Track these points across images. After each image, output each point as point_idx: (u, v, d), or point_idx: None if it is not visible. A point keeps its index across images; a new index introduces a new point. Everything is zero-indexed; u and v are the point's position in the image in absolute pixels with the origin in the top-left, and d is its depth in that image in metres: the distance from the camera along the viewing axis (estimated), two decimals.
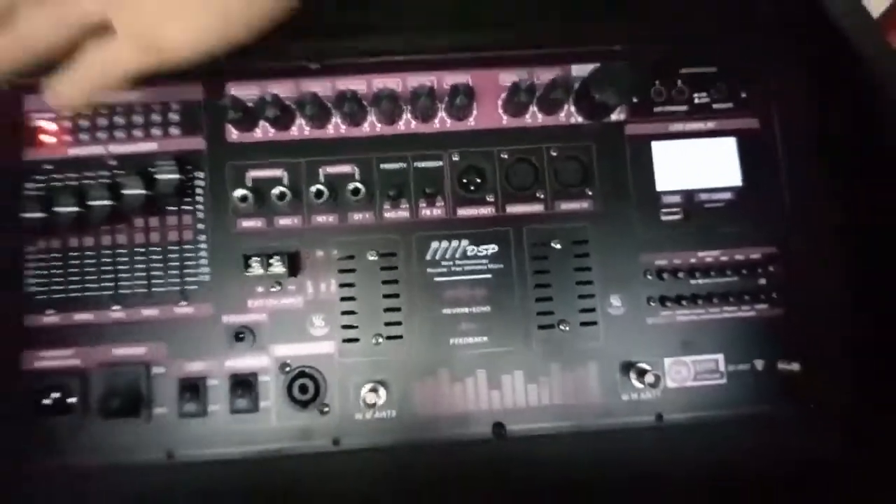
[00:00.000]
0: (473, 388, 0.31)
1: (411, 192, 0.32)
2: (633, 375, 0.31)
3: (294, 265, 0.31)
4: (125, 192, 0.30)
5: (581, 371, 0.31)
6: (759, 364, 0.32)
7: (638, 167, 0.33)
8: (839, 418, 0.32)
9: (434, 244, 0.32)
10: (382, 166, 0.32)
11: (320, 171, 0.32)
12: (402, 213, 0.32)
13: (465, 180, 0.32)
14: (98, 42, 0.26)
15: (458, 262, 0.32)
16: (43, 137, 0.32)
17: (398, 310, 0.31)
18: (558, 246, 0.32)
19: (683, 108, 0.33)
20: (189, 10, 0.26)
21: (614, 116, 0.33)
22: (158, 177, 0.30)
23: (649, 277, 0.32)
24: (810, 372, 0.31)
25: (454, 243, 0.32)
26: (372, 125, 0.32)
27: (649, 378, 0.30)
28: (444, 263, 0.32)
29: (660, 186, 0.33)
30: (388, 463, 0.31)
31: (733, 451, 0.31)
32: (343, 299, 0.31)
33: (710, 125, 0.33)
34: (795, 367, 0.31)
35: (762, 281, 0.32)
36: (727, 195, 0.33)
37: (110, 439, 0.30)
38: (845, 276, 0.33)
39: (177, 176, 0.30)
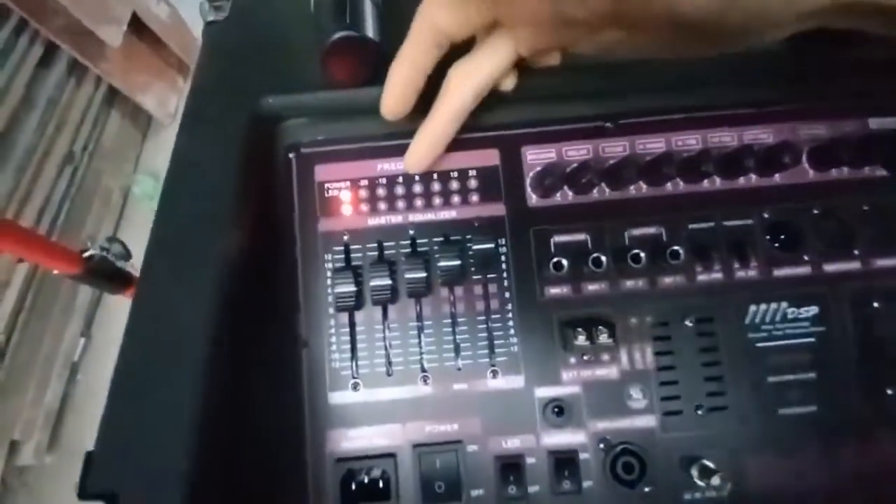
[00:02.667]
0: (809, 463, 0.29)
1: (723, 253, 0.31)
2: None
3: (609, 334, 0.30)
4: (442, 263, 0.29)
5: None
6: None
7: None
8: None
9: (752, 307, 0.30)
10: (691, 226, 0.31)
11: (626, 234, 0.31)
12: (716, 276, 0.30)
13: (776, 238, 0.31)
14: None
15: (778, 325, 0.30)
16: (340, 208, 0.31)
17: (720, 379, 0.30)
18: (878, 305, 0.30)
19: None
20: None
21: None
22: (475, 246, 0.29)
23: None
24: None
25: (773, 305, 0.30)
26: (675, 184, 0.31)
27: None
28: (764, 328, 0.30)
29: None
30: None
31: None
32: (661, 369, 0.30)
33: None
34: None
35: None
36: None
37: None
38: None
39: (492, 245, 0.29)
